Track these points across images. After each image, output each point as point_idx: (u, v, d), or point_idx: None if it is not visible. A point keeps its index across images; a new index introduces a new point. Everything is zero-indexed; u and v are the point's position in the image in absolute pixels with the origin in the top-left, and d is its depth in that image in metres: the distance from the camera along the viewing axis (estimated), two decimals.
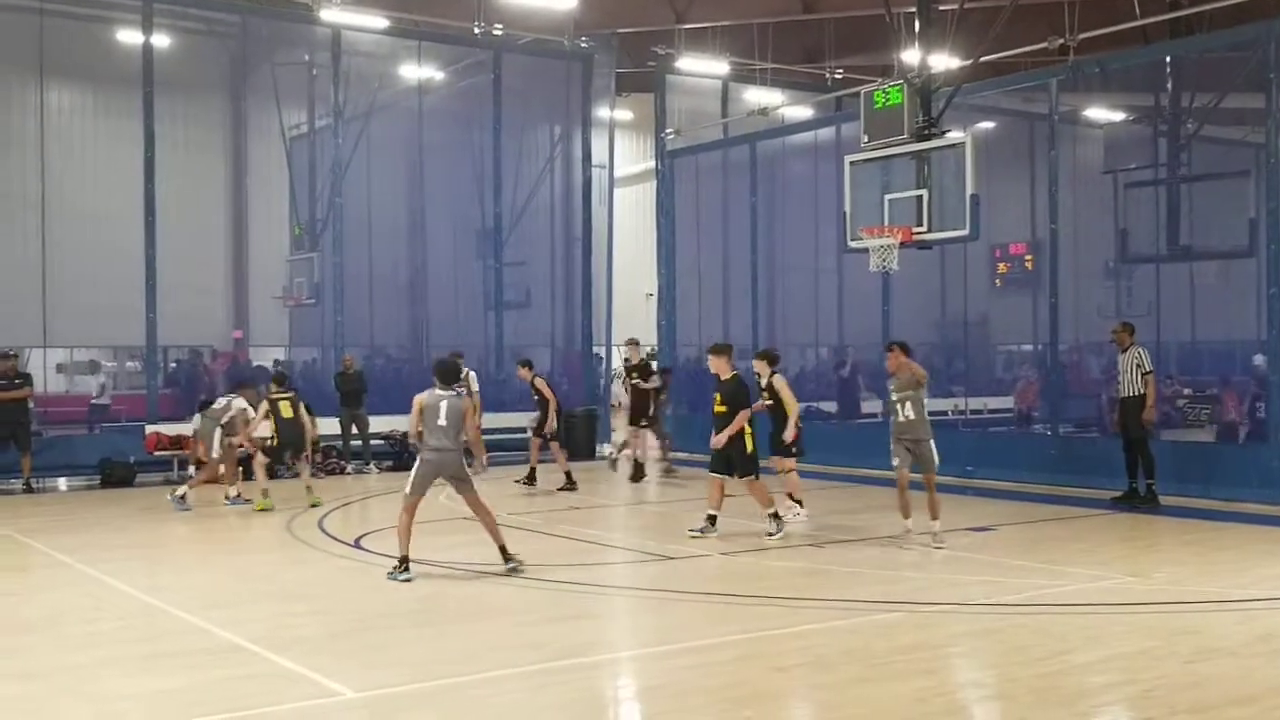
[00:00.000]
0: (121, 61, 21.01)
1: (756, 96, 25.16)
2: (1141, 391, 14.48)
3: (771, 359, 13.91)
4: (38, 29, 20.55)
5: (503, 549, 10.51)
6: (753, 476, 12.33)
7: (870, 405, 22.31)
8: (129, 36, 20.63)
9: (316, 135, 23.26)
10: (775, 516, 12.43)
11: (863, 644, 8.16)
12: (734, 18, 24.09)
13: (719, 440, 12.23)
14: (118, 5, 21.10)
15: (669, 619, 9.22)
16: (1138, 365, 14.57)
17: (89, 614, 9.27)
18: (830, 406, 23.24)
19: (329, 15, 20.94)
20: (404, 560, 10.23)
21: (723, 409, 12.25)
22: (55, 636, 8.57)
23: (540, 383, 17.40)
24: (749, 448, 12.25)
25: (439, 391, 10.52)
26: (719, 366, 12.49)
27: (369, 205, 22.46)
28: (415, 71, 23.32)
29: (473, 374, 18.41)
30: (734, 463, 12.30)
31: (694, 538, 12.27)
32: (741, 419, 12.15)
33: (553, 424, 17.03)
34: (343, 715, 6.71)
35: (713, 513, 12.42)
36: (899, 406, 11.96)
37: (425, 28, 23.10)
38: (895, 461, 12.01)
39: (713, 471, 12.52)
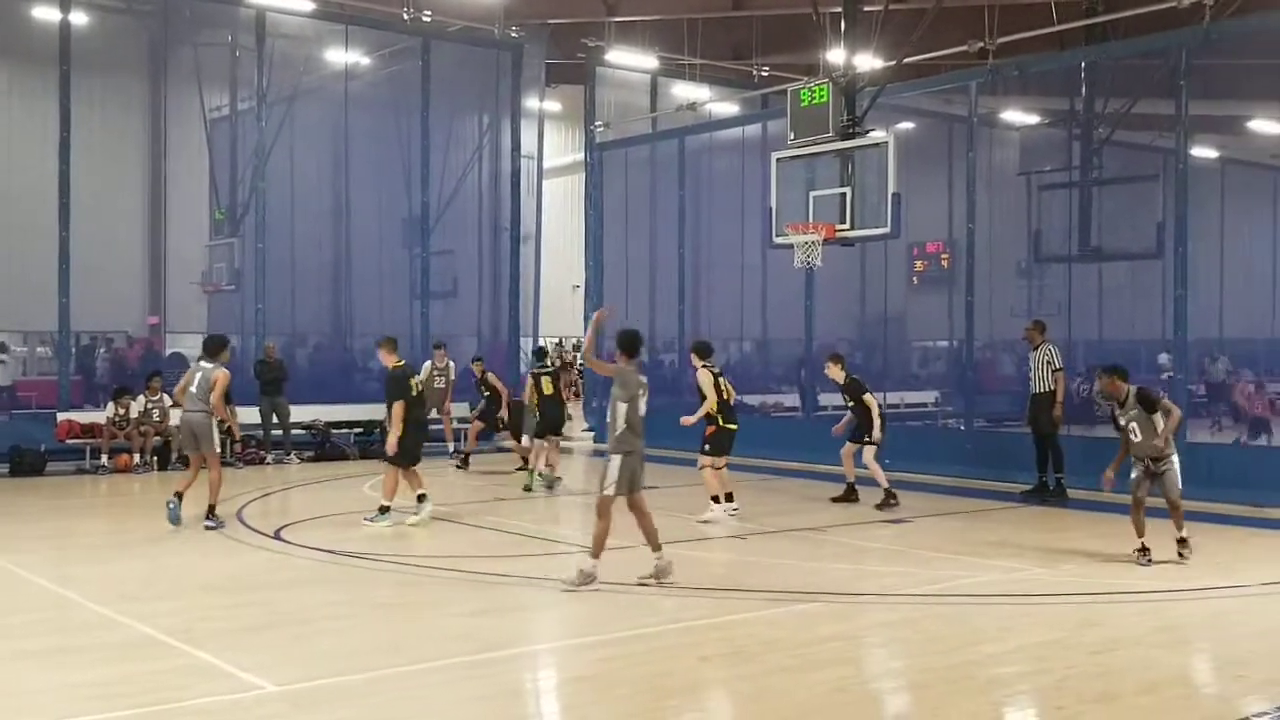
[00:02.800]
0: (37, 39, 20.42)
1: (685, 92, 25.22)
2: (1052, 388, 14.78)
3: (700, 352, 13.89)
4: None
5: (211, 508, 12.19)
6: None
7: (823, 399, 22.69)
8: (46, 14, 20.04)
9: (239, 118, 22.80)
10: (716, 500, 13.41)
11: (784, 634, 8.23)
12: (664, 12, 24.09)
13: (686, 422, 13.53)
14: None
15: (594, 611, 9.22)
16: (1048, 363, 14.86)
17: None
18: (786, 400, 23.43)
19: None
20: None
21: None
22: None
23: (492, 377, 18.18)
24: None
25: (201, 364, 12.53)
26: (695, 363, 13.75)
27: (292, 191, 22.05)
28: (342, 56, 22.90)
29: (452, 363, 18.98)
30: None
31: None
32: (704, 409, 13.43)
33: (504, 416, 17.51)
34: (262, 709, 6.60)
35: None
36: (1129, 429, 10.98)
37: (353, 12, 22.76)
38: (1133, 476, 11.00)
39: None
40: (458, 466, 18.11)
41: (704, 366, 13.62)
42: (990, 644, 8.03)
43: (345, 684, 7.01)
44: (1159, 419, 10.66)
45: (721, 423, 13.46)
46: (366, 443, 19.79)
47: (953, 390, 19.56)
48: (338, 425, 20.31)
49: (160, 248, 24.31)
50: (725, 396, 13.52)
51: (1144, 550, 10.78)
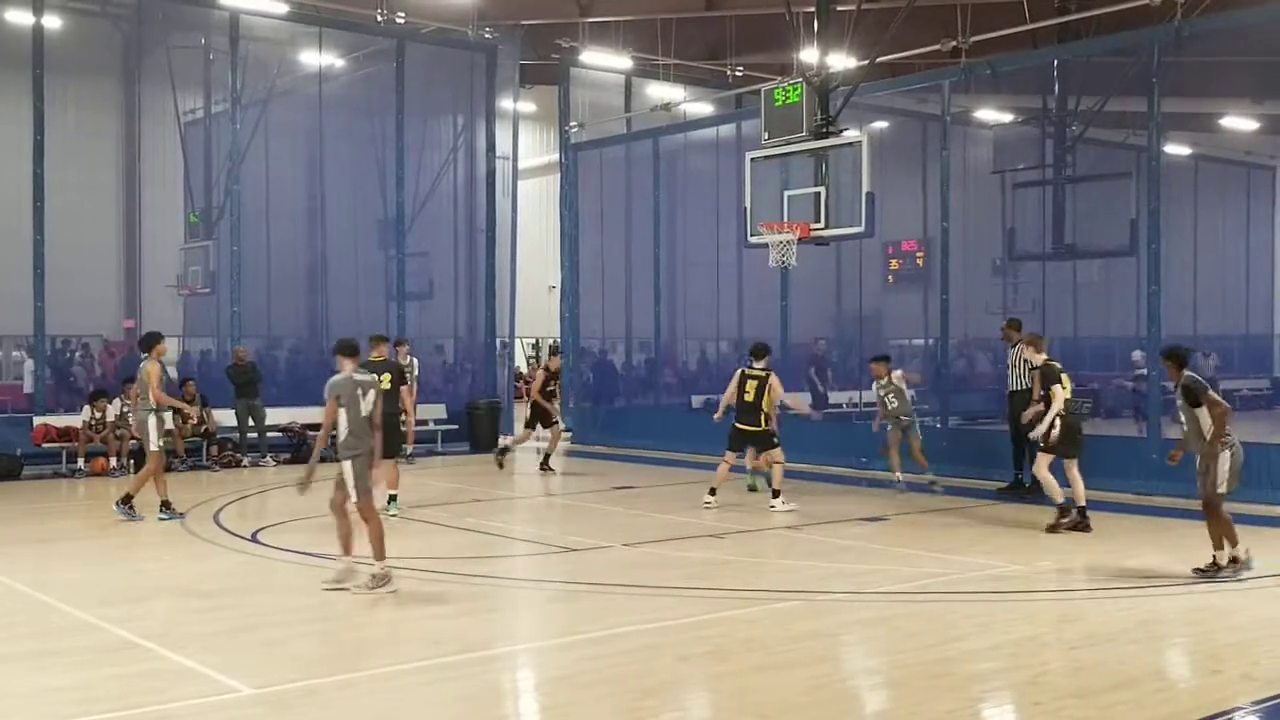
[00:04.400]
0: (10, 42, 20.23)
1: (659, 92, 25.23)
2: (1029, 385, 14.82)
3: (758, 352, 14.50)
4: None
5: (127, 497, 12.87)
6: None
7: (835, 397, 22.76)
8: (18, 17, 19.89)
9: (213, 121, 22.67)
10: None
11: (761, 633, 8.24)
12: (637, 13, 24.09)
13: (745, 425, 14.08)
14: None
15: (571, 611, 9.21)
16: (1026, 360, 14.91)
17: None
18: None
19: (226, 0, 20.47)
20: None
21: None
22: None
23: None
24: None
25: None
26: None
27: (267, 193, 21.96)
28: (316, 58, 22.84)
29: (415, 360, 18.26)
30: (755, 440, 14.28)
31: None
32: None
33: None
34: (239, 712, 6.56)
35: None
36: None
37: (326, 14, 22.66)
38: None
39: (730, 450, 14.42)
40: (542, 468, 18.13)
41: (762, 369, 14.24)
42: (968, 640, 8.06)
43: (323, 685, 6.98)
44: (1202, 414, 9.90)
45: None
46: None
47: (929, 388, 19.60)
48: (314, 428, 20.18)
49: (135, 251, 24.05)
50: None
51: (1224, 563, 9.88)
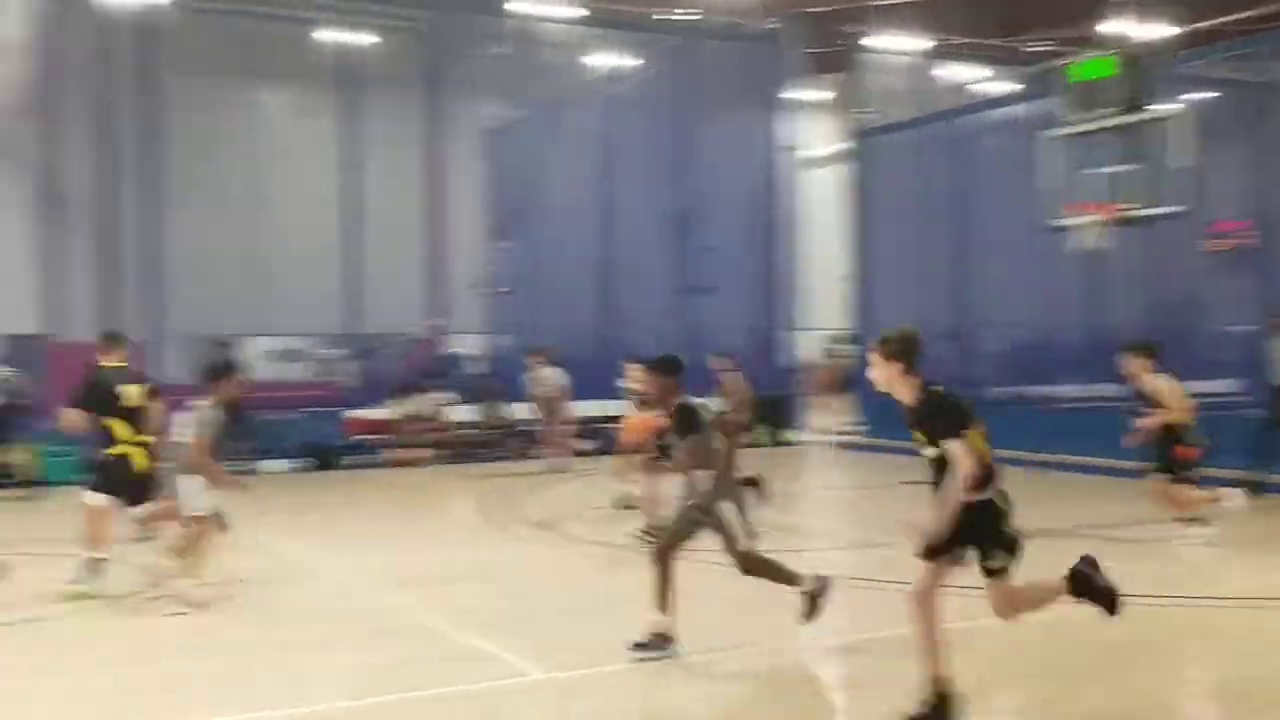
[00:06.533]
0: (322, 60, 21.84)
1: (950, 73, 24.33)
2: None
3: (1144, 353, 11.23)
4: (242, 34, 21.60)
5: None
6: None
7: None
8: (327, 36, 21.43)
9: (510, 127, 23.57)
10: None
11: (1075, 637, 7.67)
12: None
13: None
14: (317, 6, 21.89)
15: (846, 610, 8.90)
16: None
17: (289, 591, 9.57)
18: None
19: (518, 6, 21.23)
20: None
21: None
22: (259, 612, 8.81)
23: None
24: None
25: None
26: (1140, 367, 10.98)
27: (561, 194, 22.64)
28: (605, 60, 23.38)
29: (550, 370, 18.19)
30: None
31: None
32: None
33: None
34: (531, 695, 6.68)
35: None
36: None
37: (616, 16, 23.16)
38: None
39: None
40: None
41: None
42: None
43: (611, 672, 7.01)
44: None
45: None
46: None
47: (1254, 378, 17.88)
48: (611, 420, 20.69)
49: (440, 253, 25.47)
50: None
51: None
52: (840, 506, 16.23)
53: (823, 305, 25.77)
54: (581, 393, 20.40)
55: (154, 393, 9.88)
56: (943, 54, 24.47)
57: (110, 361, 9.62)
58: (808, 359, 25.80)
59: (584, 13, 22.30)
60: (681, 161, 23.00)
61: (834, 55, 25.27)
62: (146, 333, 19.29)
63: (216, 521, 8.89)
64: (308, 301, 20.76)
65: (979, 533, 5.76)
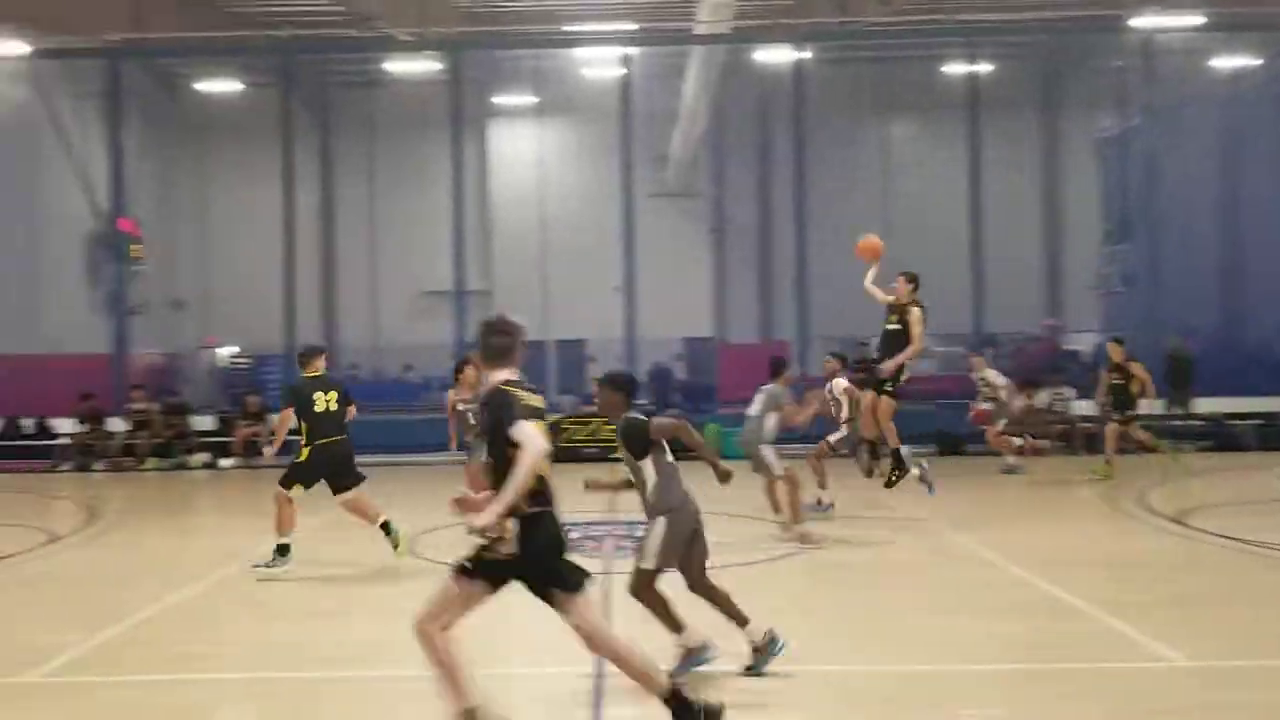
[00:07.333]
0: (947, 91, 22.15)
1: None
2: None
3: None
4: (876, 74, 22.73)
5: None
6: None
7: None
8: (955, 68, 21.46)
9: (1125, 134, 22.19)
10: None
11: None
12: None
13: None
14: (942, 41, 22.00)
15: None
16: None
17: (932, 565, 9.56)
18: None
19: (1139, 21, 19.77)
20: None
21: None
22: (911, 577, 8.97)
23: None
24: None
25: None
26: None
27: (1179, 195, 20.77)
28: (1227, 61, 21.31)
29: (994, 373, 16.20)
30: None
31: None
32: None
33: None
34: (1171, 681, 6.15)
35: None
36: None
37: (1234, 18, 20.67)
38: None
39: None
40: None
41: None
42: None
43: (1260, 667, 6.27)
44: None
45: None
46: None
47: None
48: (1241, 417, 18.66)
49: (1057, 256, 24.95)
50: None
51: None
52: None
53: None
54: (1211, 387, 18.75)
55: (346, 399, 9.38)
56: None
57: (310, 372, 9.41)
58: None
59: (1202, 20, 20.04)
60: None
61: None
62: (794, 334, 20.57)
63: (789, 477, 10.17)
64: (937, 302, 20.92)
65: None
